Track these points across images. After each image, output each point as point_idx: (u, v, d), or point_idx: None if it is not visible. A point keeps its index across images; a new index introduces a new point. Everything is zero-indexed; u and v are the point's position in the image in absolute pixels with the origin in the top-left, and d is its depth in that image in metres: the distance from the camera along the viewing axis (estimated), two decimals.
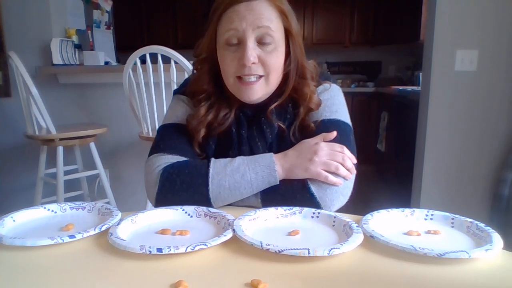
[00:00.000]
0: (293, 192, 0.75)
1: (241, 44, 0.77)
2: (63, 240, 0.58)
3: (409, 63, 4.46)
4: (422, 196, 2.30)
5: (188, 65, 1.77)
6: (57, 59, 2.44)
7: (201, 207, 0.71)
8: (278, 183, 0.76)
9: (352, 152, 0.78)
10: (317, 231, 0.65)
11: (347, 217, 0.66)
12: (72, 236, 0.59)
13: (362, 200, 2.23)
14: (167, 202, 0.74)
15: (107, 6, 3.20)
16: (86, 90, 2.56)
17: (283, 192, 0.76)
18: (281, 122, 0.83)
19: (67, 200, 2.12)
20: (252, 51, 0.76)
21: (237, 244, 0.58)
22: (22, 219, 0.68)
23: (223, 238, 0.58)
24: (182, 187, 0.75)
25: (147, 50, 1.80)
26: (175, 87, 1.48)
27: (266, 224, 0.67)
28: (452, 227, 0.65)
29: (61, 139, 2.08)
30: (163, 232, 0.63)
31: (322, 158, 0.75)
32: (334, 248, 0.53)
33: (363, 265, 0.53)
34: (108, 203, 2.15)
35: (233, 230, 0.60)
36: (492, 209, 2.15)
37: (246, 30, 0.75)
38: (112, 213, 0.68)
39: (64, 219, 0.69)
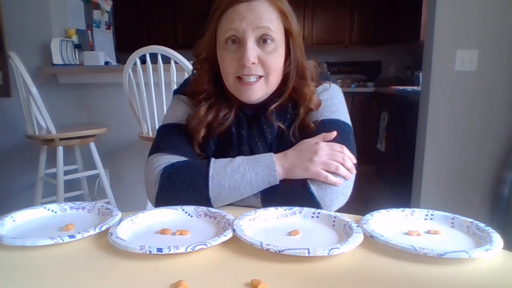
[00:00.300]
0: (293, 192, 0.75)
1: (241, 44, 0.77)
2: (63, 240, 0.58)
3: (409, 63, 4.46)
4: (422, 196, 2.30)
5: (188, 65, 1.77)
6: (57, 59, 2.44)
7: (201, 207, 0.71)
8: (278, 183, 0.76)
9: (352, 152, 0.78)
10: (317, 231, 0.65)
11: (347, 217, 0.66)
12: (72, 236, 0.59)
13: (362, 200, 2.23)
14: (167, 202, 0.74)
15: (107, 6, 3.20)
16: (86, 90, 2.56)
17: (283, 192, 0.76)
18: (281, 123, 0.84)
19: (67, 200, 2.12)
20: (252, 52, 0.76)
21: (237, 244, 0.58)
22: (22, 219, 0.68)
23: (223, 238, 0.58)
24: (182, 187, 0.75)
25: (147, 50, 1.80)
26: (175, 87, 1.47)
27: (266, 224, 0.67)
28: (452, 227, 0.65)
29: (61, 139, 2.08)
30: (163, 232, 0.63)
31: (322, 158, 0.75)
32: (334, 248, 0.53)
33: (363, 265, 0.53)
34: (108, 203, 2.14)
35: (233, 230, 0.60)
36: (492, 209, 2.15)
37: (246, 30, 0.75)
38: (112, 213, 0.68)
39: (64, 219, 0.69)
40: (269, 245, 0.54)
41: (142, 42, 3.13)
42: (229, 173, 0.75)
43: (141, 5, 4.82)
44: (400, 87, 3.69)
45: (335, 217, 0.67)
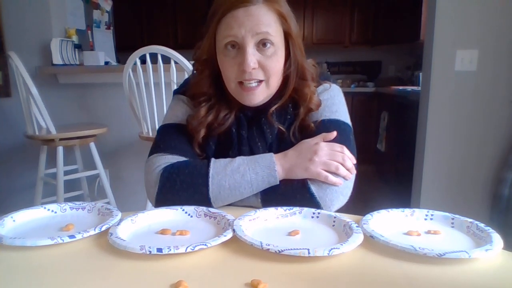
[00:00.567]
0: (293, 192, 0.75)
1: (240, 49, 0.77)
2: (63, 240, 0.58)
3: (409, 63, 4.46)
4: (422, 196, 2.30)
5: (188, 65, 1.77)
6: (57, 59, 2.44)
7: (201, 207, 0.71)
8: (278, 183, 0.76)
9: (352, 152, 0.78)
10: (317, 231, 0.65)
11: (347, 217, 0.66)
12: (72, 236, 0.59)
13: (362, 200, 2.23)
14: (167, 202, 0.74)
15: (107, 6, 3.20)
16: (86, 90, 2.56)
17: (283, 192, 0.76)
18: (282, 125, 0.84)
19: (67, 200, 2.13)
20: (252, 57, 0.76)
21: (237, 244, 0.58)
22: (22, 219, 0.68)
23: (223, 238, 0.58)
24: (182, 187, 0.75)
25: (147, 50, 1.80)
26: (175, 87, 1.48)
27: (266, 224, 0.67)
28: (452, 227, 0.65)
29: (61, 139, 2.08)
30: (163, 232, 0.63)
31: (322, 158, 0.75)
32: (334, 248, 0.53)
33: (363, 265, 0.53)
34: (108, 203, 2.15)
35: (233, 230, 0.60)
36: (492, 209, 2.15)
37: (245, 36, 0.75)
38: (112, 213, 0.68)
39: (64, 219, 0.69)
40: (269, 245, 0.54)
41: (142, 42, 3.13)
42: (229, 173, 0.75)
43: (141, 5, 4.82)
44: (400, 87, 3.69)
45: (335, 217, 0.67)
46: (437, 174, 2.27)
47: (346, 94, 0.91)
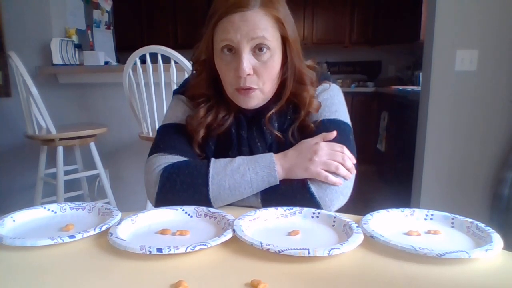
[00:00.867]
0: (293, 192, 0.75)
1: (236, 53, 0.76)
2: (63, 240, 0.58)
3: (409, 63, 4.46)
4: (422, 196, 2.30)
5: (188, 65, 1.77)
6: (57, 59, 2.44)
7: (201, 207, 0.71)
8: (278, 183, 0.76)
9: (352, 152, 0.78)
10: (317, 231, 0.65)
11: (347, 217, 0.66)
12: (72, 236, 0.59)
13: (362, 200, 2.23)
14: (167, 202, 0.74)
15: (107, 6, 3.20)
16: (86, 90, 2.56)
17: (283, 192, 0.76)
18: (278, 132, 0.84)
19: (67, 200, 2.13)
20: (247, 63, 0.76)
21: (237, 244, 0.58)
22: (22, 219, 0.68)
23: (223, 238, 0.58)
24: (182, 187, 0.75)
25: (147, 50, 1.80)
26: (175, 87, 1.48)
27: (266, 224, 0.67)
28: (452, 227, 0.65)
29: (61, 139, 2.08)
30: (163, 232, 0.63)
31: (322, 158, 0.75)
32: (334, 248, 0.53)
33: (363, 265, 0.53)
34: (108, 203, 2.15)
35: (233, 230, 0.60)
36: (492, 209, 2.15)
37: (241, 41, 0.75)
38: (112, 213, 0.68)
39: (64, 219, 0.69)
40: (269, 245, 0.54)
41: (142, 42, 3.13)
42: (229, 173, 0.75)
43: (141, 5, 4.82)
44: (400, 87, 3.69)
45: (335, 217, 0.67)
46: (437, 174, 2.27)
47: (346, 94, 0.91)
